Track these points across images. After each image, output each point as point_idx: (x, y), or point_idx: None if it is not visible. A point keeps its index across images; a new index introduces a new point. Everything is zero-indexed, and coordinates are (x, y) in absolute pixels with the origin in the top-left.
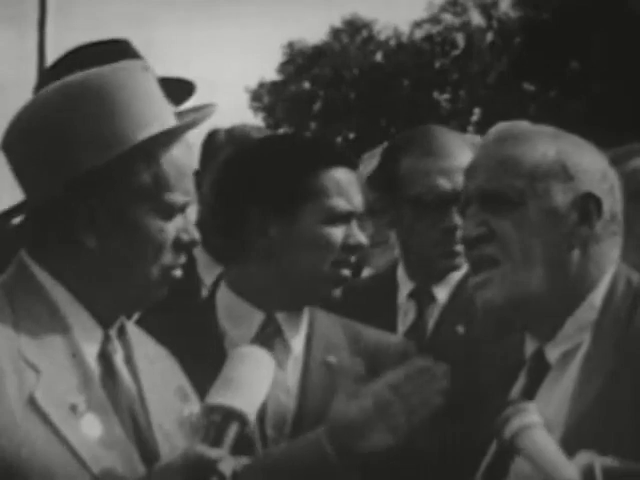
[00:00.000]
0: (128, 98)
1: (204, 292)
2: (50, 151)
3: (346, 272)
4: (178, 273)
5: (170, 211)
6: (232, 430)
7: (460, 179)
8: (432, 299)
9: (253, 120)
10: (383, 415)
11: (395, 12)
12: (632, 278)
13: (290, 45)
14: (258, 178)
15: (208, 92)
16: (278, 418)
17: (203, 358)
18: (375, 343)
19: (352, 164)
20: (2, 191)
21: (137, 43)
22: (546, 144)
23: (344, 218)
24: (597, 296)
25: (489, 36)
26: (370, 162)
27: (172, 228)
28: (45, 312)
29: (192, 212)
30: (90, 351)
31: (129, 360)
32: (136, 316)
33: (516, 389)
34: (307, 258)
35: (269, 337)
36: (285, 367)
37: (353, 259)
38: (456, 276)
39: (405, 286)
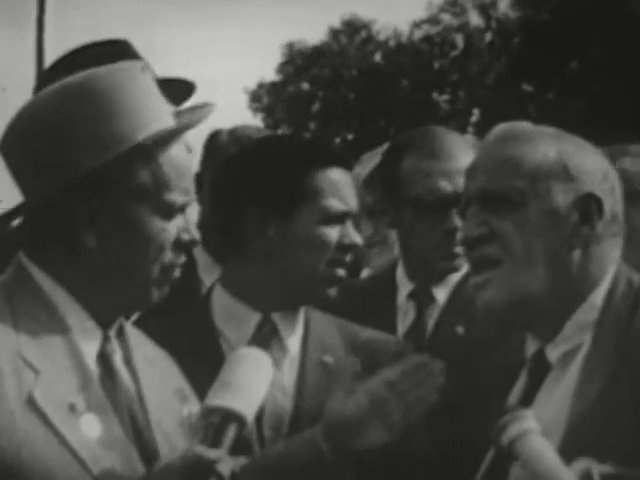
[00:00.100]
0: (126, 99)
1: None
2: (49, 152)
3: (341, 272)
4: (176, 273)
5: (170, 211)
6: (231, 431)
7: (461, 181)
8: (432, 300)
9: (252, 121)
10: (379, 412)
11: (394, 12)
12: (633, 278)
13: (289, 46)
14: (256, 179)
15: (207, 92)
16: (275, 418)
17: (200, 359)
18: (371, 343)
19: (347, 165)
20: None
21: (137, 43)
22: (547, 145)
23: (339, 218)
24: (598, 296)
25: (488, 36)
26: (369, 163)
27: (172, 228)
28: (44, 313)
29: (193, 213)
30: (89, 351)
31: (128, 361)
32: (134, 317)
33: (517, 389)
34: (303, 258)
35: (265, 337)
36: (281, 367)
37: (348, 259)
38: (456, 277)
39: (405, 287)
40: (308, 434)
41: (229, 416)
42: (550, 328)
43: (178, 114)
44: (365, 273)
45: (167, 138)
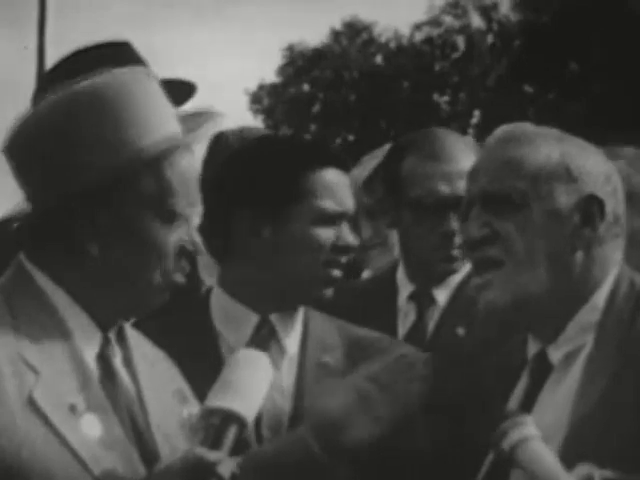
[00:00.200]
0: (134, 107)
1: None
2: (55, 159)
3: (337, 273)
4: (180, 278)
5: (174, 219)
6: (231, 433)
7: (461, 184)
8: (432, 301)
9: (253, 122)
10: (364, 407)
11: (395, 14)
12: (635, 280)
13: (290, 47)
14: (249, 179)
15: (208, 94)
16: (274, 419)
17: (198, 360)
18: (370, 344)
19: (344, 166)
20: (2, 195)
21: (137, 45)
22: (550, 146)
23: (333, 219)
24: (600, 297)
25: (489, 38)
26: (368, 164)
27: (175, 235)
28: (44, 314)
29: (195, 213)
30: (89, 353)
31: (128, 362)
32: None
33: (518, 390)
34: (297, 259)
35: (264, 339)
36: (280, 368)
37: (344, 260)
38: (456, 278)
39: (405, 288)
40: (296, 434)
41: (229, 417)
42: (552, 329)
43: (183, 119)
44: (366, 274)
45: (174, 148)
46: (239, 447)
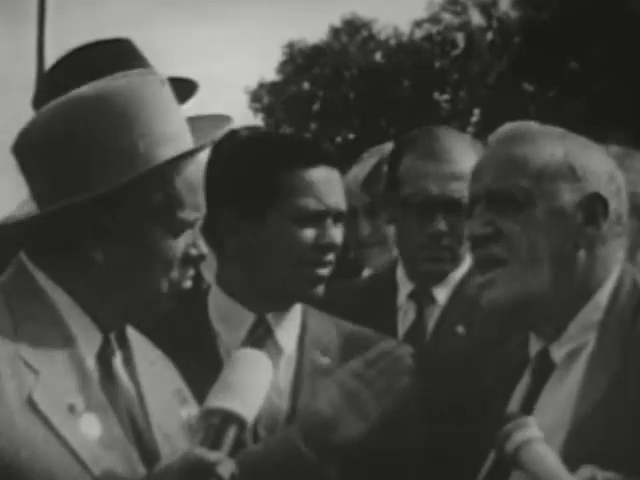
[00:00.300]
0: (146, 115)
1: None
2: (64, 165)
3: (322, 272)
4: (187, 284)
5: (181, 228)
6: (231, 433)
7: (455, 185)
8: (432, 300)
9: (253, 121)
10: (351, 404)
11: (395, 12)
12: (638, 279)
13: (290, 45)
14: (231, 178)
15: (208, 92)
16: (270, 419)
17: (197, 360)
18: (370, 345)
19: (332, 162)
20: (4, 194)
21: (137, 43)
22: (554, 145)
23: (315, 218)
24: (603, 296)
25: (489, 36)
26: (369, 162)
27: (181, 243)
28: (44, 314)
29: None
30: (89, 353)
31: (128, 362)
32: None
33: (520, 388)
34: (277, 258)
35: (260, 338)
36: (277, 368)
37: (329, 258)
38: (456, 277)
39: (405, 287)
40: (284, 433)
41: (229, 418)
42: (554, 327)
43: (190, 121)
44: (366, 273)
45: (184, 159)
46: (236, 447)
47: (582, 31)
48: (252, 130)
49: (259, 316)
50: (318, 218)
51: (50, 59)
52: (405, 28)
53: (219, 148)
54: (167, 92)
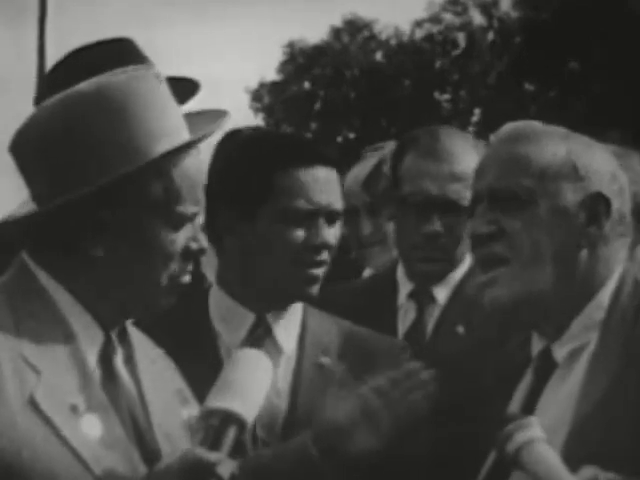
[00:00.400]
0: (143, 109)
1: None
2: (62, 161)
3: (316, 271)
4: (186, 279)
5: (181, 222)
6: (231, 433)
7: (454, 186)
8: (432, 299)
9: (253, 120)
10: (368, 419)
11: (395, 12)
12: None
13: (290, 45)
14: (226, 177)
15: (208, 92)
16: (269, 419)
17: (197, 360)
18: (371, 346)
19: (326, 161)
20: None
21: (137, 43)
22: (556, 144)
23: (305, 218)
24: (605, 296)
25: (490, 36)
26: (370, 161)
27: (181, 237)
28: (46, 313)
29: (201, 210)
30: (90, 352)
31: (129, 360)
32: None
33: (522, 387)
34: (269, 258)
35: (260, 338)
36: (277, 368)
37: (322, 257)
38: (456, 276)
39: (405, 286)
40: (299, 439)
41: (229, 418)
42: (557, 326)
43: (188, 117)
44: (367, 273)
45: (182, 151)
46: (236, 447)
47: (582, 31)
48: (254, 130)
49: (259, 316)
50: (309, 218)
51: (51, 59)
52: (406, 28)
53: (221, 147)
54: (164, 87)
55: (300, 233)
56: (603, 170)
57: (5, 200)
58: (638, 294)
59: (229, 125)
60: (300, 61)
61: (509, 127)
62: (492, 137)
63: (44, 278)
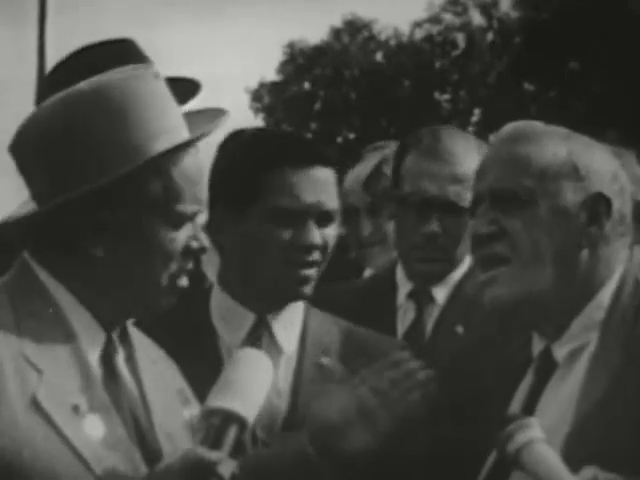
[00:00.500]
0: (141, 108)
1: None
2: (61, 161)
3: (307, 272)
4: (184, 282)
5: (180, 221)
6: (231, 433)
7: (455, 188)
8: (431, 299)
9: (253, 120)
10: (364, 416)
11: (395, 12)
12: None
13: (290, 45)
14: (227, 175)
15: (208, 92)
16: (269, 420)
17: (198, 360)
18: (372, 347)
19: (323, 161)
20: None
21: (137, 43)
22: (557, 144)
23: (293, 217)
24: (605, 296)
25: (489, 36)
26: (370, 162)
27: (181, 236)
28: (47, 313)
29: (202, 209)
30: (92, 353)
31: (131, 361)
32: None
33: (523, 387)
34: (260, 258)
35: (260, 338)
36: (277, 368)
37: (312, 259)
38: (455, 276)
39: (404, 286)
40: (296, 438)
41: (230, 417)
42: (557, 326)
43: (187, 116)
44: (367, 272)
45: (181, 150)
46: (237, 447)
47: (582, 31)
48: (257, 130)
49: (259, 316)
50: (296, 217)
51: (51, 59)
52: (405, 28)
53: (223, 147)
54: (162, 86)
55: (288, 233)
56: (604, 170)
57: (6, 201)
58: (638, 294)
59: (228, 125)
60: (300, 61)
61: (509, 127)
62: (492, 137)
63: (45, 277)
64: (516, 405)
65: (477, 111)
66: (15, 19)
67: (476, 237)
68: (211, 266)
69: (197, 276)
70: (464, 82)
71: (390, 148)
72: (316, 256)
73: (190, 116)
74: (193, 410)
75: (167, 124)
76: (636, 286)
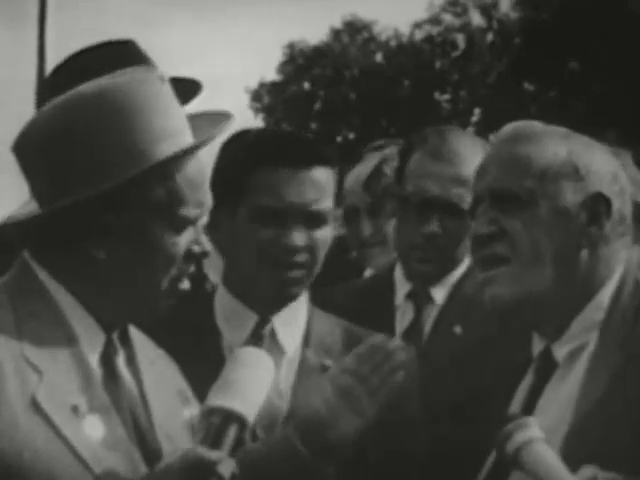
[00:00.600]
0: (146, 112)
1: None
2: (64, 161)
3: (292, 274)
4: (185, 285)
5: (183, 225)
6: (232, 432)
7: (457, 189)
8: (430, 300)
9: (253, 120)
10: (345, 401)
11: (395, 13)
12: None
13: (291, 45)
14: (225, 176)
15: (208, 92)
16: (269, 420)
17: (200, 360)
18: None
19: (320, 161)
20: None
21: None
22: (557, 144)
23: (275, 216)
24: (605, 296)
25: (489, 36)
26: (370, 162)
27: (183, 240)
28: (48, 314)
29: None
30: (92, 353)
31: (131, 361)
32: None
33: (523, 387)
34: (244, 257)
35: (262, 338)
36: (278, 368)
37: (297, 260)
38: (454, 277)
39: (403, 287)
40: (282, 434)
41: (230, 417)
42: (557, 326)
43: (191, 118)
44: (367, 273)
45: (185, 155)
46: (237, 446)
47: (582, 31)
48: (259, 131)
49: (262, 316)
50: (279, 217)
51: (51, 59)
52: (405, 29)
53: (225, 148)
54: (167, 89)
55: (270, 233)
56: (604, 170)
57: (7, 200)
58: (638, 294)
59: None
60: (300, 62)
61: (509, 127)
62: (492, 137)
63: (46, 278)
64: (516, 405)
65: (477, 111)
66: (15, 19)
67: (476, 237)
68: (213, 269)
69: (199, 279)
70: (464, 82)
71: (390, 148)
72: (301, 258)
73: (194, 119)
74: (193, 410)
75: (172, 128)
76: (636, 286)
